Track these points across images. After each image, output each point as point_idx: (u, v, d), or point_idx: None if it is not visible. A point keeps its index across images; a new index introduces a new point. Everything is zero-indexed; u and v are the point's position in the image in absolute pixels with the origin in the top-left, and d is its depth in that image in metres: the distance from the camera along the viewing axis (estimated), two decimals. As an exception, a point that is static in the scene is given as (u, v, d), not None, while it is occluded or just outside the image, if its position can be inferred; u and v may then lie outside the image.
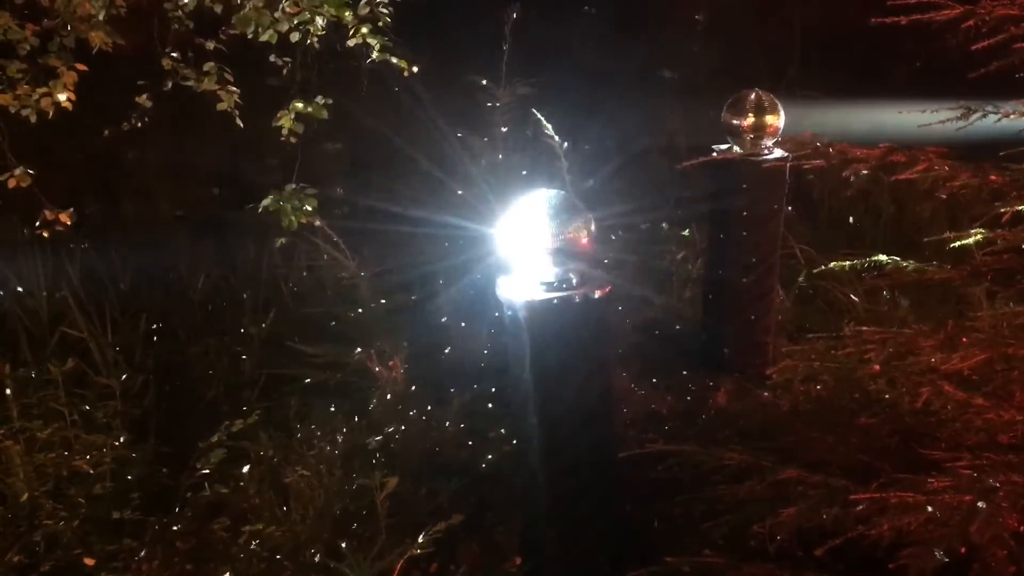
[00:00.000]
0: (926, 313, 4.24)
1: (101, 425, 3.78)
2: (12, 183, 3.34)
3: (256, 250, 5.15)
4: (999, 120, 2.65)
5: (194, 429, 3.70)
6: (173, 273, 5.03)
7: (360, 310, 4.65)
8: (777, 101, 4.12)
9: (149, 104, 3.76)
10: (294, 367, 4.29)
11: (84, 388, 3.98)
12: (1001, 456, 2.31)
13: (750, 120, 4.07)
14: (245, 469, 3.46)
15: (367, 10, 3.49)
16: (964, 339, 2.53)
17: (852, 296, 4.57)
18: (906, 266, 2.85)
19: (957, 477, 2.28)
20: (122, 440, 3.71)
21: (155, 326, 4.59)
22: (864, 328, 2.89)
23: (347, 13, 3.43)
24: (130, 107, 3.81)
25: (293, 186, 3.83)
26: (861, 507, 2.37)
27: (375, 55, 3.54)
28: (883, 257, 2.92)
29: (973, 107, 2.64)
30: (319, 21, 3.42)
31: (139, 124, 3.80)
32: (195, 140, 5.89)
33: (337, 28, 3.60)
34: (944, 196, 2.76)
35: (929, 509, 2.25)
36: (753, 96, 4.10)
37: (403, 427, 3.77)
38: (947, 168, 2.55)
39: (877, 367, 2.87)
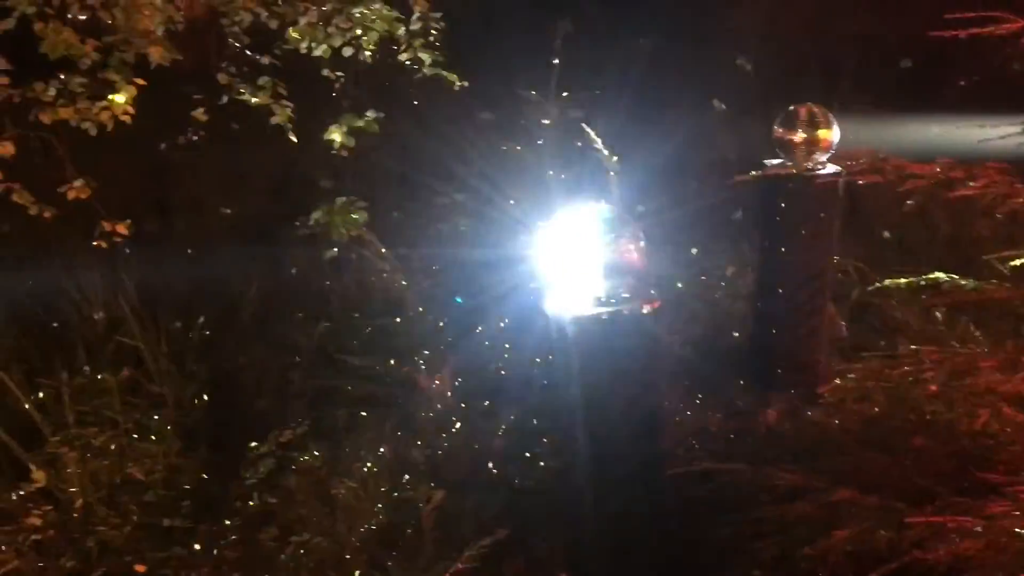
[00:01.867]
0: (984, 333, 4.14)
1: (154, 433, 3.84)
2: (72, 194, 3.43)
3: (306, 262, 5.20)
4: (1064, 136, 2.58)
5: (243, 438, 3.74)
6: (225, 284, 5.10)
7: (407, 323, 4.67)
8: (830, 115, 4.06)
9: (205, 118, 3.84)
10: (342, 379, 4.32)
11: (138, 396, 4.05)
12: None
13: (803, 135, 4.01)
14: (293, 480, 3.49)
15: (419, 25, 3.53)
16: (1024, 360, 2.46)
17: (907, 314, 4.47)
18: (965, 284, 2.79)
19: (1017, 502, 2.22)
20: (174, 448, 3.76)
21: (206, 336, 4.65)
22: (921, 347, 2.82)
23: (400, 28, 3.47)
24: (186, 120, 3.89)
25: (343, 199, 3.87)
26: (916, 531, 2.32)
27: (426, 69, 3.57)
28: (941, 275, 2.85)
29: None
30: (372, 36, 3.46)
31: (195, 137, 3.88)
32: (248, 153, 5.98)
33: (389, 42, 3.64)
34: (1003, 214, 2.69)
35: (988, 534, 2.19)
36: (806, 110, 4.04)
37: (449, 440, 3.77)
38: (1008, 185, 2.49)
39: (934, 387, 2.80)
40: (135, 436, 3.78)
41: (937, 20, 2.72)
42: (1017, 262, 2.75)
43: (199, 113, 3.84)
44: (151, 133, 4.28)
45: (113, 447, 3.65)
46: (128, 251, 4.75)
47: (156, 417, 3.92)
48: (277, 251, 5.38)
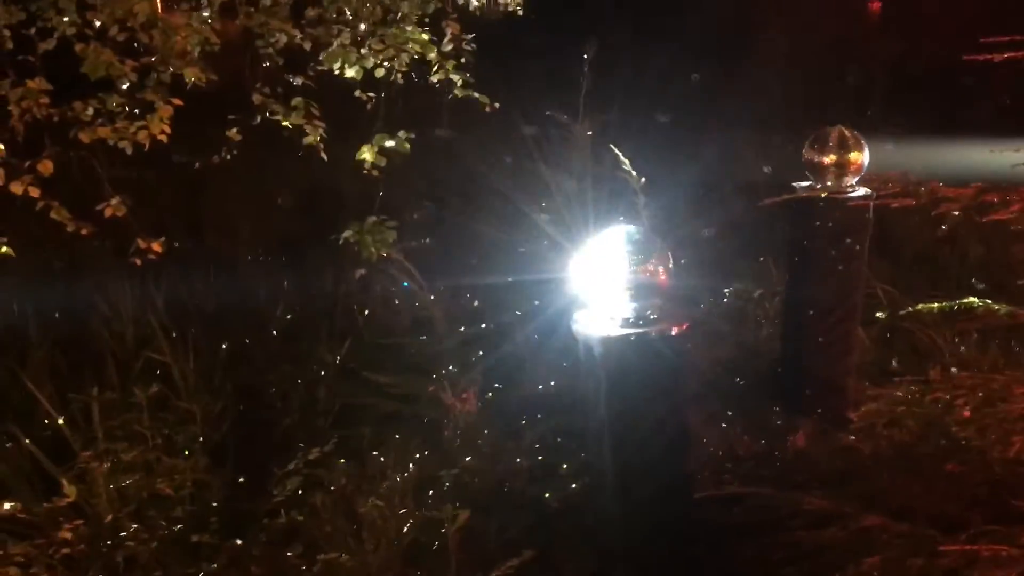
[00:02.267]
0: (1016, 359, 4.09)
1: (182, 449, 3.87)
2: (108, 212, 3.48)
3: (333, 280, 5.23)
4: (1099, 160, 2.55)
5: (270, 455, 3.76)
6: (253, 301, 5.14)
7: (434, 341, 4.68)
8: (861, 138, 4.05)
9: (238, 137, 3.88)
10: (368, 396, 4.33)
11: (166, 412, 4.08)
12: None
13: (833, 157, 4.00)
14: (319, 497, 3.49)
15: (451, 47, 3.57)
16: (1061, 387, 2.43)
17: (938, 339, 4.42)
18: (998, 309, 2.76)
19: (1054, 531, 2.18)
20: (202, 464, 3.78)
21: (235, 352, 4.69)
22: (954, 372, 2.80)
23: (432, 51, 3.51)
24: (220, 139, 3.94)
25: (374, 218, 3.90)
26: (950, 559, 2.28)
27: (457, 91, 3.60)
28: (973, 299, 2.82)
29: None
30: (404, 58, 3.50)
31: (228, 156, 3.92)
32: (280, 171, 6.04)
33: (421, 64, 3.67)
34: (1038, 238, 2.66)
35: (1023, 564, 2.15)
36: (836, 132, 4.03)
37: (475, 459, 3.77)
38: (1043, 209, 2.47)
39: (967, 413, 2.77)
40: (164, 452, 3.80)
41: (971, 43, 2.71)
42: (1052, 287, 2.72)
43: (233, 133, 3.89)
44: (186, 152, 4.34)
45: (142, 462, 3.68)
46: (159, 267, 4.80)
47: (184, 433, 3.94)
48: (306, 269, 5.43)
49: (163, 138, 3.45)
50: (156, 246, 3.62)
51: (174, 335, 4.54)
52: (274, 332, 4.95)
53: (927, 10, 10.14)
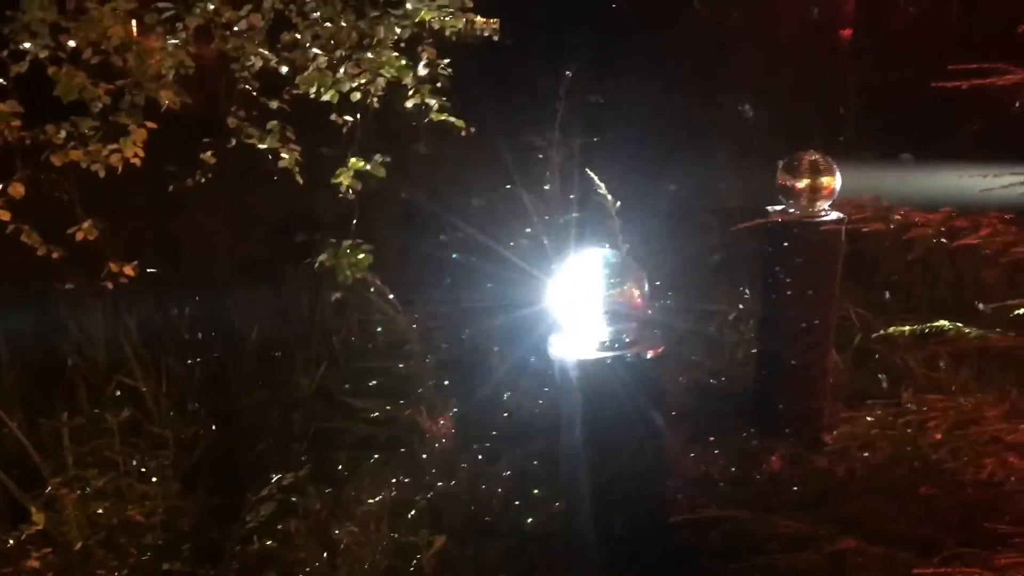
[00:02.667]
0: (987, 381, 4.13)
1: (154, 475, 3.82)
2: (80, 235, 3.45)
3: (309, 303, 5.21)
4: (1066, 185, 2.61)
5: (244, 481, 3.72)
6: (228, 325, 5.10)
7: (410, 365, 4.67)
8: (833, 162, 4.10)
9: (213, 161, 3.86)
10: (344, 421, 4.30)
11: (138, 437, 4.03)
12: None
13: (806, 181, 4.04)
14: (293, 523, 3.46)
15: (427, 72, 3.58)
16: (1031, 409, 2.46)
17: (910, 362, 4.46)
18: (968, 332, 2.79)
19: (1026, 553, 2.20)
20: (174, 490, 3.74)
21: (209, 377, 4.65)
22: (927, 396, 2.82)
23: (408, 75, 3.52)
24: (194, 163, 3.92)
25: (350, 242, 3.90)
26: (924, 581, 2.29)
27: (433, 115, 3.61)
28: (945, 323, 2.85)
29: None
30: (380, 82, 3.51)
31: (202, 180, 3.90)
32: (255, 195, 6.02)
33: (397, 88, 3.69)
34: (1007, 262, 2.70)
35: (996, 586, 2.17)
36: (809, 157, 4.07)
37: (451, 484, 3.75)
38: (1012, 234, 2.51)
39: (939, 436, 2.79)
40: (135, 478, 3.75)
41: (940, 71, 2.76)
42: (1021, 311, 2.76)
43: (207, 156, 3.87)
44: (159, 174, 4.31)
45: (113, 489, 3.63)
46: (131, 291, 4.76)
47: (157, 459, 3.90)
48: (281, 292, 5.40)
49: (136, 161, 3.43)
50: (128, 270, 3.59)
51: (147, 359, 4.51)
52: (249, 356, 4.92)
53: (898, 38, 10.35)
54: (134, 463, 3.84)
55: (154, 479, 3.79)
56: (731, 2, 10.16)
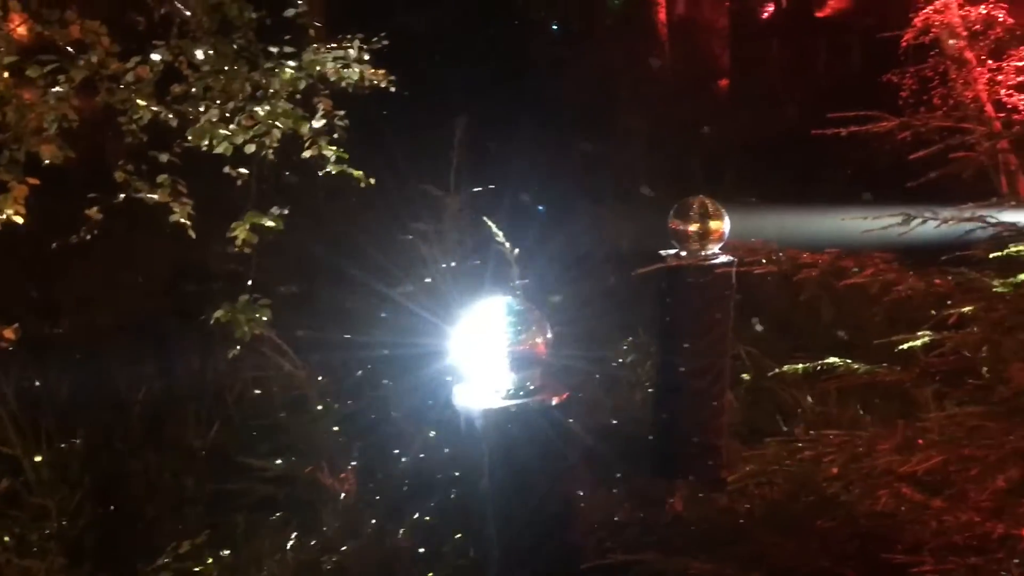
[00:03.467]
0: (873, 415, 4.30)
1: (36, 548, 3.60)
2: (-47, 297, 3.26)
3: (200, 360, 5.05)
4: (938, 226, 2.77)
5: (136, 550, 3.54)
6: (114, 387, 4.89)
7: (311, 420, 4.56)
8: (721, 207, 4.24)
9: (99, 216, 3.72)
10: (241, 481, 4.16)
11: (18, 509, 3.80)
12: (964, 559, 2.32)
13: (696, 226, 4.16)
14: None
15: (323, 123, 3.55)
16: (920, 441, 2.57)
17: (801, 399, 4.62)
18: (857, 368, 2.90)
19: (922, 581, 2.28)
20: (57, 565, 3.53)
21: (93, 442, 4.43)
22: (824, 432, 2.91)
23: (304, 126, 3.48)
24: (79, 219, 3.77)
25: (246, 297, 3.80)
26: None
27: (331, 167, 3.58)
28: (835, 359, 2.97)
29: (913, 214, 2.75)
30: (275, 133, 3.46)
31: (88, 236, 3.75)
32: (146, 251, 5.83)
33: (294, 139, 3.64)
34: (889, 300, 2.84)
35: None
36: (698, 202, 4.20)
37: (356, 542, 3.65)
38: (894, 273, 2.64)
39: (835, 470, 2.88)
40: (14, 552, 3.52)
41: (819, 118, 2.91)
42: (905, 346, 2.89)
43: (93, 212, 3.72)
44: (42, 232, 4.13)
45: (-9, 565, 3.40)
46: (10, 355, 4.52)
47: (38, 531, 3.68)
48: (172, 351, 5.22)
49: (18, 219, 3.27)
50: (9, 333, 3.41)
51: (25, 426, 4.27)
52: (136, 418, 4.71)
53: (776, 87, 10.89)
54: (13, 536, 3.62)
55: (36, 553, 3.57)
56: (618, 56, 10.51)
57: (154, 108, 3.54)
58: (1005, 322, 2.52)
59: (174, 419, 4.74)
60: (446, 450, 4.24)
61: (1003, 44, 8.51)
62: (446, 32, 9.20)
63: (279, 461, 4.24)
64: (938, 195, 3.01)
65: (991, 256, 2.78)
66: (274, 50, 3.62)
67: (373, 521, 3.80)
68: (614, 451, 4.58)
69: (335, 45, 3.56)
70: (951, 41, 8.37)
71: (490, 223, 4.61)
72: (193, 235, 3.74)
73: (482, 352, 2.93)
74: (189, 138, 3.54)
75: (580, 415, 4.73)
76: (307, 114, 3.57)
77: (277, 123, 3.45)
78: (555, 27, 10.76)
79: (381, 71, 3.88)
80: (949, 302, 2.58)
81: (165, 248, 5.22)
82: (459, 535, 3.65)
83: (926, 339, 2.79)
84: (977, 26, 8.63)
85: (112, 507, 4.12)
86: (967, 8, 8.76)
